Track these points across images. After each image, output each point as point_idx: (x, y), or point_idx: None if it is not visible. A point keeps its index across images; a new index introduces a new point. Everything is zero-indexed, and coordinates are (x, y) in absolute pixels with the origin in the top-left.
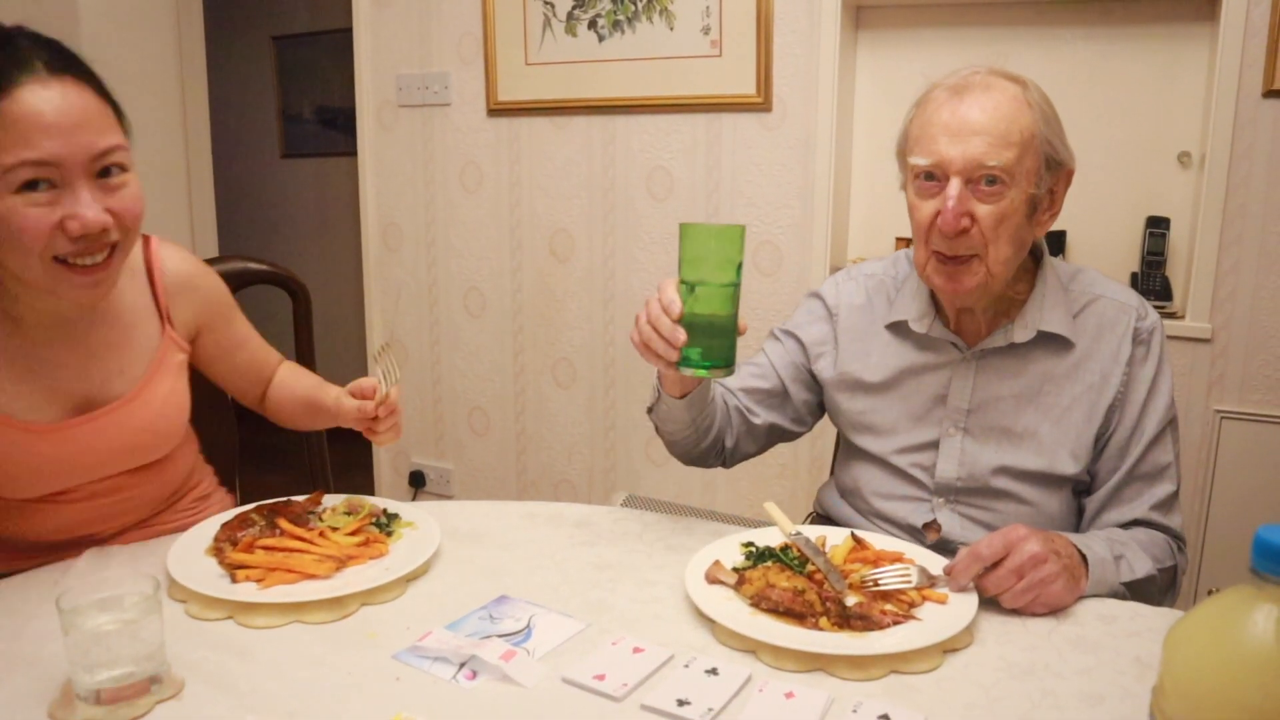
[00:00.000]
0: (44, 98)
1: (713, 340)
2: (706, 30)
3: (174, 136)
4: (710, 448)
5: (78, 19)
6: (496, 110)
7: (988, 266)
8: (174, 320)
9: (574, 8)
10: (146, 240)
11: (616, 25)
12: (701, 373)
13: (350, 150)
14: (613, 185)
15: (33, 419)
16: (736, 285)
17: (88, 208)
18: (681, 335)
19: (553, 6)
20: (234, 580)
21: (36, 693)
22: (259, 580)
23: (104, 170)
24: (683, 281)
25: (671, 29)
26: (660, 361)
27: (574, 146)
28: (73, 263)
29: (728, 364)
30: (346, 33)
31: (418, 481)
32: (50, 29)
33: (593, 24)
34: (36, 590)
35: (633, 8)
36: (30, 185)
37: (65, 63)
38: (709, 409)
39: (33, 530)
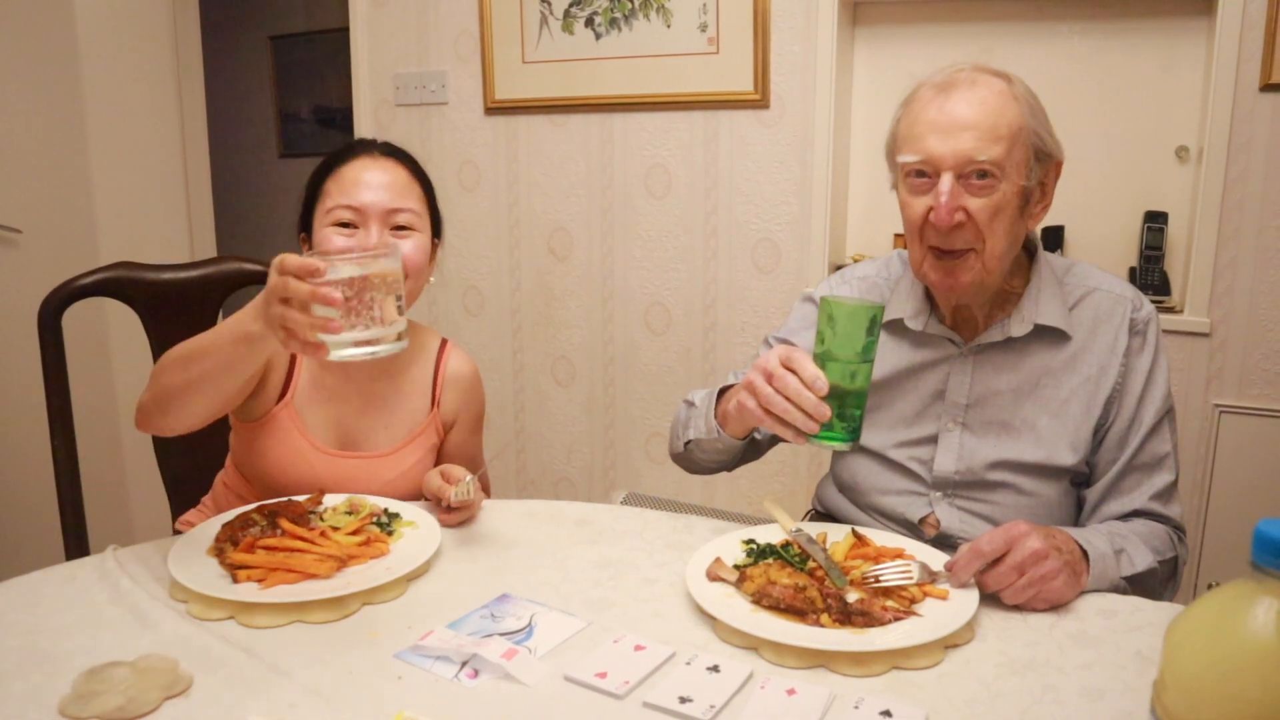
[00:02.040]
0: (366, 165)
1: (852, 412)
2: (704, 27)
3: (171, 136)
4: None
5: (74, 18)
6: (494, 109)
7: (984, 261)
8: (441, 406)
9: (571, 5)
10: (444, 342)
11: (613, 23)
12: (837, 444)
13: None
14: (611, 183)
15: (316, 439)
16: (873, 360)
17: (375, 242)
18: (827, 411)
19: (549, 4)
20: (235, 581)
21: (50, 688)
22: (260, 580)
23: (397, 226)
24: (827, 357)
25: (668, 26)
26: (789, 431)
27: (572, 144)
28: None
29: (859, 434)
30: (343, 32)
31: None
32: (46, 29)
33: (589, 22)
34: (52, 587)
35: (629, 5)
36: (342, 223)
37: (394, 151)
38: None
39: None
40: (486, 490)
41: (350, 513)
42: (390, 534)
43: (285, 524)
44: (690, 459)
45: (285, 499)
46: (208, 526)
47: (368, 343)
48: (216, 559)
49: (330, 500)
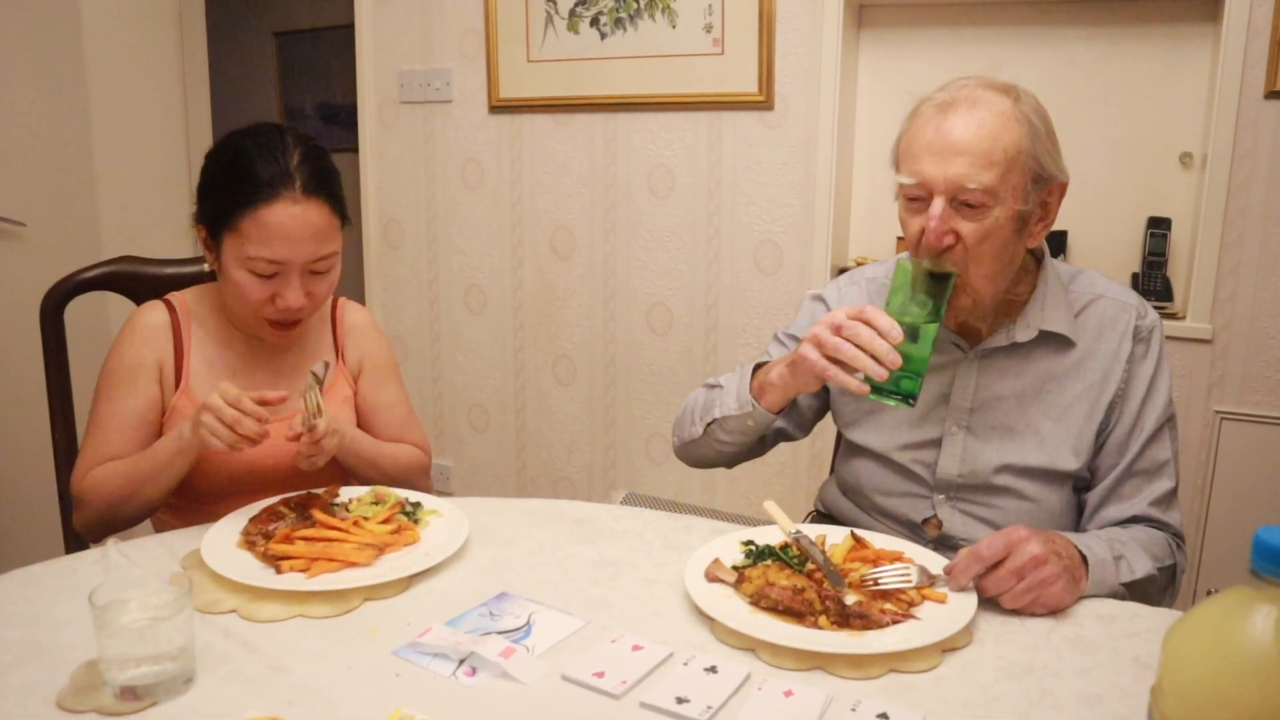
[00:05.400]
0: (291, 213)
1: (917, 374)
2: (709, 28)
3: (175, 131)
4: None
5: (79, 13)
6: (498, 107)
7: (970, 282)
8: (345, 357)
9: (576, 5)
10: (336, 300)
11: (618, 23)
12: (894, 402)
13: (352, 147)
14: (614, 183)
15: None
16: (939, 323)
17: (294, 295)
18: (898, 359)
19: (555, 3)
20: (279, 572)
21: (49, 680)
22: (304, 570)
23: (315, 271)
24: (899, 314)
25: (674, 27)
26: (854, 381)
27: (575, 144)
28: (273, 320)
29: (916, 398)
30: (348, 29)
31: None
32: (52, 24)
33: (595, 21)
34: (52, 580)
35: (635, 5)
36: (260, 272)
37: (317, 185)
38: None
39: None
40: (426, 451)
41: (376, 503)
42: (416, 522)
43: (319, 515)
44: (703, 445)
45: (304, 492)
46: (233, 520)
47: None
48: (249, 551)
49: (348, 492)
